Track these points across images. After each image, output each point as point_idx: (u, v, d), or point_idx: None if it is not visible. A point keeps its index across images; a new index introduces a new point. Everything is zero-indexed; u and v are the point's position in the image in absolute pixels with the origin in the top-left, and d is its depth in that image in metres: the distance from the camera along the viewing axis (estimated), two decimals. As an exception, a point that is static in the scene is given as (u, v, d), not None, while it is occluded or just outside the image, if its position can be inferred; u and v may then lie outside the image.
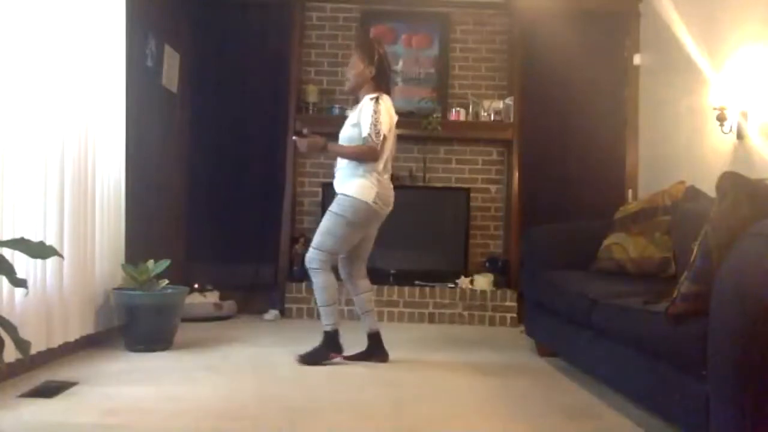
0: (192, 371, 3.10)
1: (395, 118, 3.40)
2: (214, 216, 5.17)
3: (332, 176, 3.48)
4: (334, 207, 3.31)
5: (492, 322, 4.86)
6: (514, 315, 4.84)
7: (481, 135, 5.26)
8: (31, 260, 2.73)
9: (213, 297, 4.75)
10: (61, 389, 2.66)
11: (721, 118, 3.60)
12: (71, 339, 3.24)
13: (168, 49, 4.65)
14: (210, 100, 5.19)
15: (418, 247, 5.14)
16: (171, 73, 4.76)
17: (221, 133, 5.19)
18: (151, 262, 3.64)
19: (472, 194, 5.26)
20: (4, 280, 2.29)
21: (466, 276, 5.02)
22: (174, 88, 4.85)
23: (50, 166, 3.03)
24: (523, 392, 2.92)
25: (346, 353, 3.39)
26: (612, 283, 3.07)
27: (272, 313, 4.84)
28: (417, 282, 4.98)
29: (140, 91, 4.14)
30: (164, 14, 4.65)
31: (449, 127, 5.14)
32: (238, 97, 5.20)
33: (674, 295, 2.07)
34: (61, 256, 2.28)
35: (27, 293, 2.34)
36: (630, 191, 5.06)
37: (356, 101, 3.47)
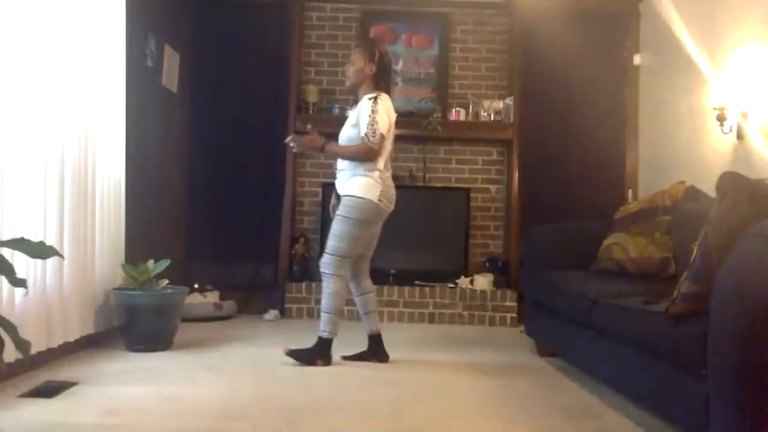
0: (192, 371, 3.10)
1: (395, 117, 3.39)
2: (214, 216, 5.17)
3: (333, 176, 3.48)
4: (341, 210, 3.30)
5: (492, 322, 4.87)
6: (514, 315, 4.84)
7: (481, 135, 5.26)
8: (31, 260, 2.73)
9: (213, 297, 4.75)
10: (61, 389, 2.66)
11: (721, 118, 3.60)
12: (71, 339, 3.24)
13: (168, 49, 4.65)
14: (210, 100, 5.19)
15: (418, 247, 5.14)
16: (171, 73, 4.76)
17: (221, 133, 5.19)
18: (151, 262, 3.64)
19: (472, 194, 5.26)
20: (4, 280, 2.28)
21: (466, 276, 5.02)
22: (174, 88, 4.85)
23: (50, 166, 3.03)
24: (523, 392, 2.92)
25: (346, 354, 3.40)
26: (612, 283, 3.07)
27: (272, 313, 4.84)
28: (417, 282, 4.98)
29: (140, 91, 4.14)
30: (164, 14, 4.65)
31: (449, 127, 5.14)
32: (238, 97, 5.20)
33: (674, 295, 2.07)
34: (61, 256, 2.28)
35: (27, 293, 2.34)
36: (630, 191, 5.06)
37: (356, 101, 3.47)
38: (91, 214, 3.45)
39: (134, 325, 3.49)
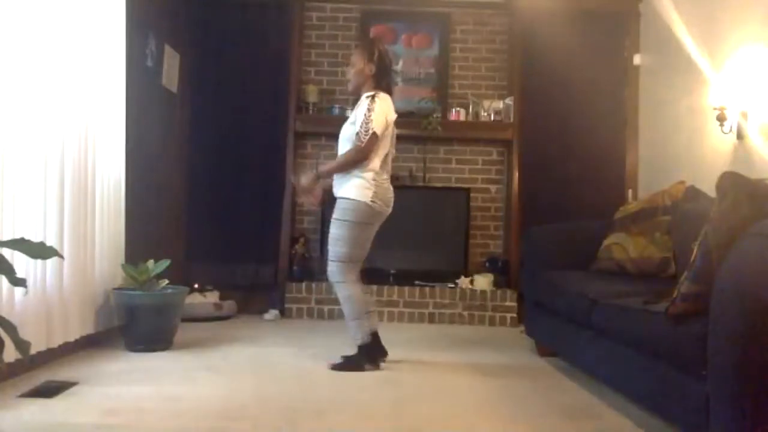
0: (192, 371, 3.10)
1: (394, 116, 3.37)
2: (214, 216, 5.16)
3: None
4: (335, 213, 3.28)
5: (492, 322, 4.87)
6: (514, 315, 4.84)
7: (481, 135, 5.26)
8: (31, 260, 2.73)
9: (213, 297, 4.75)
10: (61, 389, 2.66)
11: (721, 118, 3.60)
12: (71, 339, 3.24)
13: (168, 49, 4.65)
14: (210, 100, 5.19)
15: (418, 247, 5.14)
16: (171, 73, 4.76)
17: (221, 133, 5.19)
18: (151, 262, 3.64)
19: (472, 194, 5.26)
20: (4, 279, 2.28)
21: (466, 276, 5.02)
22: (174, 88, 4.85)
23: (50, 166, 3.03)
24: (523, 392, 2.92)
25: (346, 354, 3.39)
26: (612, 283, 3.07)
27: (272, 313, 4.84)
28: (417, 282, 4.98)
29: (140, 91, 4.14)
30: (164, 14, 4.65)
31: (449, 127, 5.14)
32: (238, 97, 5.20)
33: (674, 295, 2.07)
34: (61, 256, 2.28)
35: (26, 293, 2.34)
36: (630, 191, 5.06)
37: (357, 100, 3.46)
38: (91, 214, 3.45)
39: (134, 325, 3.49)
